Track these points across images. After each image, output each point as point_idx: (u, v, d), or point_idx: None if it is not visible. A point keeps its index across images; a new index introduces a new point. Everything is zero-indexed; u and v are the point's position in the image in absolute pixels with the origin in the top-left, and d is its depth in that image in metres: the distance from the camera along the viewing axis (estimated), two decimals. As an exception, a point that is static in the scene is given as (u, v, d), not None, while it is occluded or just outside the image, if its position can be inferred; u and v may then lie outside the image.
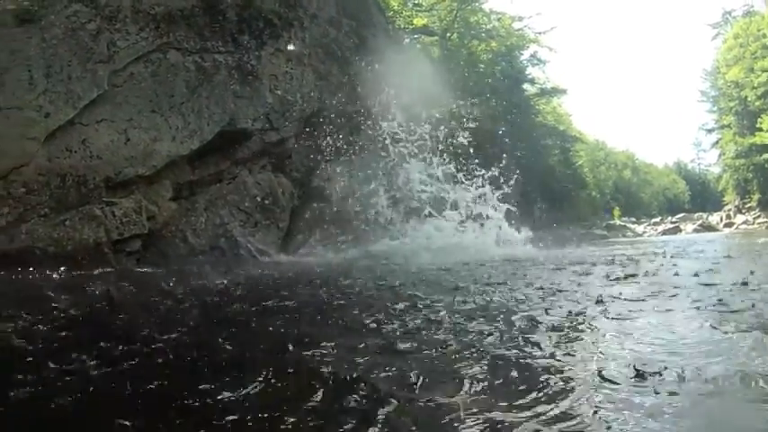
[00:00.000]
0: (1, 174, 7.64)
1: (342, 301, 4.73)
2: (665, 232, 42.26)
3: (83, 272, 7.29)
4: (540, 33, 35.01)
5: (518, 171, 15.22)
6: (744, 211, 52.08)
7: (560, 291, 5.01)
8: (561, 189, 38.90)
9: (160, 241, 9.38)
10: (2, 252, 7.32)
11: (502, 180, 14.86)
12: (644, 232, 44.71)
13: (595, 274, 6.44)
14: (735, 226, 45.77)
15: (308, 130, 12.86)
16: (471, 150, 15.58)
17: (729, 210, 55.65)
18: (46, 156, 8.06)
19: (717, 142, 61.61)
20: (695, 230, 41.72)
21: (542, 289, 5.17)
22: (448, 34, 30.15)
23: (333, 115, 13.34)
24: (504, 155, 16.98)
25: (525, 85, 37.70)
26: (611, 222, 46.63)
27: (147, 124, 9.32)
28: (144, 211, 8.91)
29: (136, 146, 9.03)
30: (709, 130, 65.05)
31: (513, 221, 14.42)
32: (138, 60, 9.55)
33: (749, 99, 49.42)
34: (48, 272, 7.00)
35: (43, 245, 7.67)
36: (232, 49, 11.26)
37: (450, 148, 14.88)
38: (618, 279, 5.89)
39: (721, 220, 51.56)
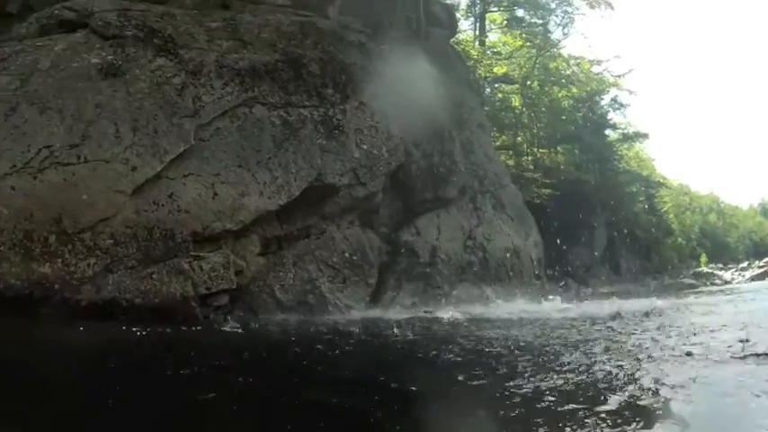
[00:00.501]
0: (89, 225, 7.57)
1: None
2: (753, 278, 39.95)
3: (169, 329, 7.11)
4: (619, 77, 34.21)
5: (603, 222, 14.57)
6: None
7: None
8: (647, 237, 37.38)
9: (247, 296, 9.11)
10: (88, 302, 7.21)
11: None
12: (732, 279, 41.94)
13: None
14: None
15: (394, 183, 12.52)
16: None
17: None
18: (133, 208, 7.96)
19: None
20: (786, 275, 39.34)
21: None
22: (528, 82, 29.69)
23: (419, 169, 13.01)
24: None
25: (607, 131, 36.73)
26: (699, 270, 44.56)
27: (235, 179, 9.17)
28: (232, 265, 8.64)
29: (223, 200, 8.85)
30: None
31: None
32: (223, 115, 9.50)
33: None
34: (132, 327, 6.89)
35: (130, 297, 7.51)
36: (317, 103, 11.13)
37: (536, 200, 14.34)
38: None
39: (814, 262, 48.26)
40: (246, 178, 9.33)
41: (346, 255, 10.98)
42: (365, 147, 11.68)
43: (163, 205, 8.22)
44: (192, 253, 8.21)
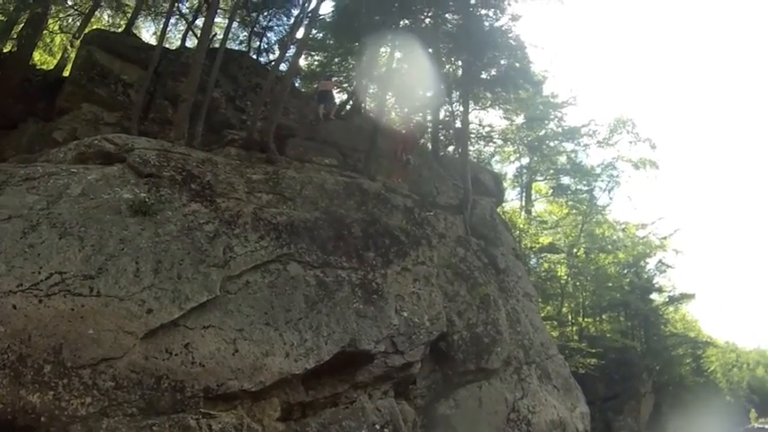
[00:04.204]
0: (90, 362, 7.15)
1: None
2: None
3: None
4: (665, 238, 33.64)
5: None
6: None
7: None
8: (694, 399, 35.33)
9: (260, 464, 8.32)
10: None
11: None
12: None
13: None
14: None
15: (434, 352, 11.86)
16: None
17: None
18: (143, 353, 7.52)
19: None
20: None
21: None
22: (574, 250, 29.29)
23: (462, 338, 12.38)
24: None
25: (653, 295, 35.71)
26: (750, 427, 43.37)
27: (260, 337, 8.71)
28: (245, 428, 7.99)
29: (244, 358, 8.34)
30: None
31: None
32: (255, 269, 9.23)
33: None
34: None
35: (124, 446, 6.87)
36: (356, 266, 10.84)
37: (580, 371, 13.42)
38: None
39: None
40: (273, 337, 8.85)
41: (377, 427, 10.14)
42: (405, 314, 11.18)
43: (176, 355, 7.74)
44: (201, 410, 7.61)
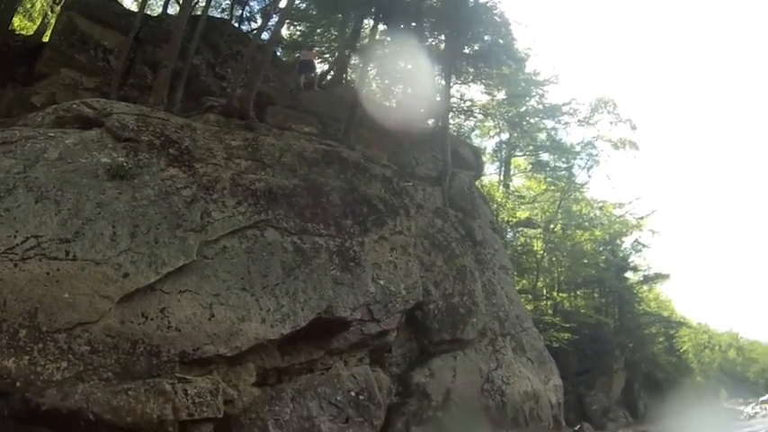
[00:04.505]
0: (66, 326, 7.16)
1: None
2: None
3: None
4: (641, 218, 33.98)
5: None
6: None
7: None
8: (666, 378, 36.12)
9: (236, 428, 8.35)
10: (51, 408, 6.66)
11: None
12: (755, 413, 42.52)
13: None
14: None
15: (410, 322, 11.97)
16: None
17: None
18: (119, 317, 7.53)
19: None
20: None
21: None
22: (551, 226, 29.46)
23: (438, 308, 12.48)
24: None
25: (628, 273, 36.16)
26: (719, 407, 44.75)
27: (236, 302, 8.74)
28: (221, 393, 8.01)
29: (220, 323, 8.38)
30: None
31: None
32: (232, 234, 9.23)
33: None
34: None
35: (99, 411, 6.90)
36: (334, 233, 10.86)
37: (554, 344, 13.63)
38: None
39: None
40: (249, 302, 8.87)
41: (352, 393, 10.25)
42: (382, 282, 11.24)
43: (152, 319, 7.76)
44: (177, 374, 7.64)
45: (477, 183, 20.84)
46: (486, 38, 18.93)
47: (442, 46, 19.47)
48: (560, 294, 30.81)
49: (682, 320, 46.46)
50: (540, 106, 28.03)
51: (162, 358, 7.62)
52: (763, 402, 51.25)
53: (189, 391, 7.63)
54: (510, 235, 29.03)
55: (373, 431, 10.44)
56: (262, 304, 9.04)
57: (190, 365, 7.92)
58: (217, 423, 7.97)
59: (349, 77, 21.47)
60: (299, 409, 9.37)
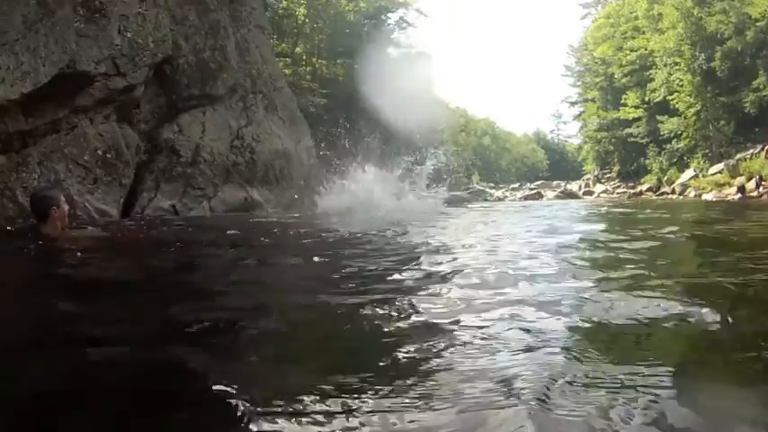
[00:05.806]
0: None
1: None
2: (526, 197, 45.53)
3: None
4: None
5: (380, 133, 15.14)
6: (603, 180, 56.71)
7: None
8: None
9: (-18, 203, 8.19)
10: None
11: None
12: (504, 197, 48.30)
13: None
14: (596, 194, 50.25)
15: (159, 77, 11.78)
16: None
17: (588, 179, 60.49)
18: None
19: (579, 115, 66.61)
20: (557, 197, 45.62)
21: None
22: (314, -9, 28.99)
23: (187, 63, 12.33)
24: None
25: (390, 49, 37.38)
26: (471, 187, 48.80)
27: (-30, 62, 8.02)
28: (-38, 165, 7.70)
29: (-48, 86, 7.74)
30: (573, 103, 70.17)
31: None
32: (-37, -14, 8.19)
33: (616, 76, 53.26)
34: None
35: None
36: (78, -19, 9.96)
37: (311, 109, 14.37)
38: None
39: (580, 188, 56.26)
40: (-14, 62, 8.20)
41: (99, 152, 10.23)
42: (129, 35, 10.77)
43: None
44: None
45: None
46: None
47: None
48: (320, 62, 30.84)
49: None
50: None
51: None
52: (512, 189, 57.95)
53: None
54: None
55: (122, 190, 10.69)
56: (1, 63, 8.39)
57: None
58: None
59: None
60: (47, 173, 9.28)
